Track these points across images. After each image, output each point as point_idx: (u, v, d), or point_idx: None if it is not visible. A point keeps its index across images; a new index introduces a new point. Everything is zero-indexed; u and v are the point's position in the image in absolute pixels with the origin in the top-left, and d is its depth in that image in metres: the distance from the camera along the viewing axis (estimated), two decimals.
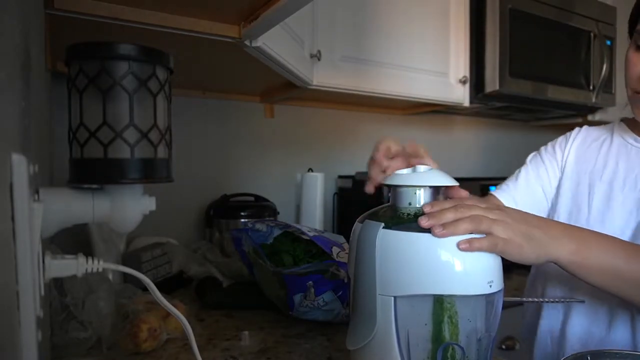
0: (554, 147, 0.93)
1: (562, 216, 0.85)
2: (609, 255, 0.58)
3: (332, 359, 0.75)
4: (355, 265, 0.55)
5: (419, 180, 0.54)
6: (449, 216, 0.50)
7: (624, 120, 0.88)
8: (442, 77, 1.51)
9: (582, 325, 0.78)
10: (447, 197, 0.58)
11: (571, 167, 0.88)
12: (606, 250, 0.58)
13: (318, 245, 0.85)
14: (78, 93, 0.49)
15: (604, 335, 0.75)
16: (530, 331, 0.88)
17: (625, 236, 0.75)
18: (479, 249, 0.50)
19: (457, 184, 0.56)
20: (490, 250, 0.50)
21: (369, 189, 0.64)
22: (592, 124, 1.97)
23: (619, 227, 0.76)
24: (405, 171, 0.56)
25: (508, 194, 0.90)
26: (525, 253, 0.54)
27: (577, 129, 0.94)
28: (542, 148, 0.95)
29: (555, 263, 0.57)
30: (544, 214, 0.89)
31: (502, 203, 0.87)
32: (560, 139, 0.94)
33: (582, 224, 0.80)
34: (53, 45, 0.90)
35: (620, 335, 0.73)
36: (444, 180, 0.54)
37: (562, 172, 0.89)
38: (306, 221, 1.48)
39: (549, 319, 0.83)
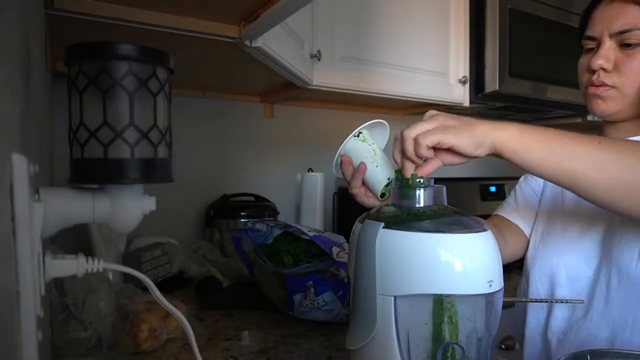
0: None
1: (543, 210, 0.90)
2: (553, 142, 0.57)
3: (332, 359, 0.75)
4: (355, 265, 0.55)
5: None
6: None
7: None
8: (442, 77, 1.51)
9: (563, 318, 0.80)
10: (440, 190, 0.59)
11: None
12: (549, 137, 0.57)
13: (318, 245, 0.85)
14: (78, 93, 0.49)
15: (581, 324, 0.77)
16: (519, 326, 0.90)
17: (599, 219, 0.78)
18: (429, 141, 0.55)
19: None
20: (440, 140, 0.55)
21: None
22: (591, 124, 1.97)
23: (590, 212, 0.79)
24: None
25: (510, 208, 0.95)
26: (465, 139, 0.56)
27: None
28: None
29: (499, 152, 0.58)
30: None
31: (505, 221, 0.93)
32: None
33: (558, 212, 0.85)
34: (53, 45, 0.90)
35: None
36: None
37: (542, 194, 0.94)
38: (306, 221, 1.48)
39: (535, 315, 0.85)
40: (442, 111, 0.61)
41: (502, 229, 0.91)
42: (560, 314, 0.81)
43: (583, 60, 0.82)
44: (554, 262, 0.82)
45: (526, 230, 0.92)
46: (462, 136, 0.56)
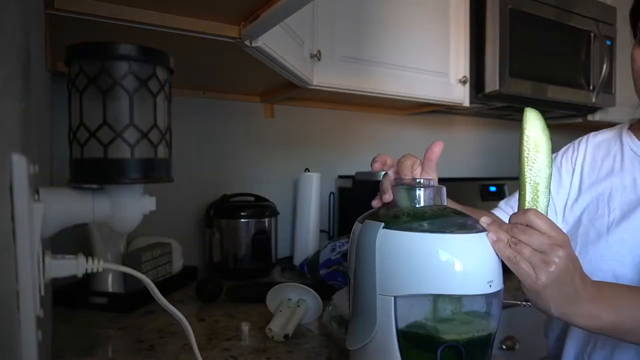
0: (560, 161, 0.91)
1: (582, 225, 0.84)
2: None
3: (332, 359, 0.75)
4: (355, 265, 0.55)
5: None
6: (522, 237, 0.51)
7: (636, 124, 0.85)
8: (442, 77, 1.51)
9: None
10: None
11: (584, 184, 0.86)
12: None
13: None
14: (78, 93, 0.49)
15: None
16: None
17: None
18: (517, 272, 0.52)
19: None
20: (524, 280, 0.51)
21: (378, 203, 0.62)
22: (592, 123, 1.98)
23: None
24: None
25: (510, 209, 0.91)
26: (548, 310, 0.53)
27: (582, 139, 0.91)
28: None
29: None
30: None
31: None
32: (561, 156, 0.92)
33: (602, 229, 0.79)
34: (53, 45, 0.90)
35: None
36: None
37: (578, 190, 0.87)
38: (301, 221, 1.48)
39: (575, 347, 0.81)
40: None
41: None
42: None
43: (636, 54, 0.75)
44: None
45: None
46: (538, 302, 0.53)
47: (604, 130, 0.90)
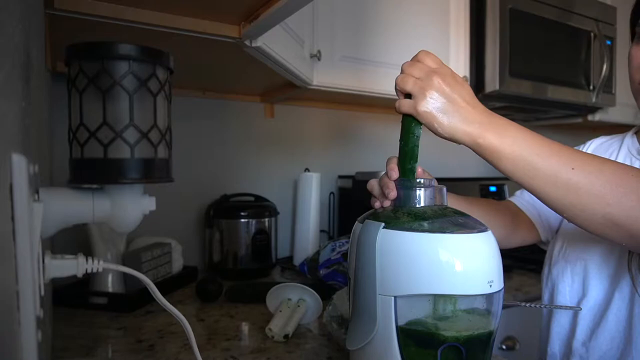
0: None
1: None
2: (525, 150, 0.55)
3: (332, 359, 0.75)
4: (356, 265, 0.55)
5: None
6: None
7: None
8: None
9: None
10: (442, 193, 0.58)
11: None
12: (524, 146, 0.55)
13: None
14: (78, 93, 0.49)
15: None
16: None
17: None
18: (397, 109, 0.59)
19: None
20: (408, 112, 0.58)
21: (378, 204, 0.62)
22: (592, 123, 1.97)
23: None
24: None
25: (528, 204, 0.90)
26: (436, 130, 0.57)
27: (590, 141, 0.93)
28: None
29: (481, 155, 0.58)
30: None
31: (519, 212, 0.89)
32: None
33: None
34: (53, 45, 0.90)
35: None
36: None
37: None
38: (301, 221, 1.48)
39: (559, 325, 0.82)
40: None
41: (517, 216, 0.87)
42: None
43: (634, 51, 0.75)
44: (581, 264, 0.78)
45: (542, 233, 0.88)
46: (451, 122, 0.56)
47: (616, 134, 0.91)
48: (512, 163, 0.55)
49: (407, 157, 0.59)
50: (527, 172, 0.55)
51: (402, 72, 0.60)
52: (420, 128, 0.59)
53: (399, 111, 0.60)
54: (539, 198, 0.57)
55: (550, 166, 0.54)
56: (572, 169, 0.53)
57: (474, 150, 0.58)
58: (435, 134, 0.58)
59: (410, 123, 0.59)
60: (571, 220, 0.56)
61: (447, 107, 0.56)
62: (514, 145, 0.55)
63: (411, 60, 0.61)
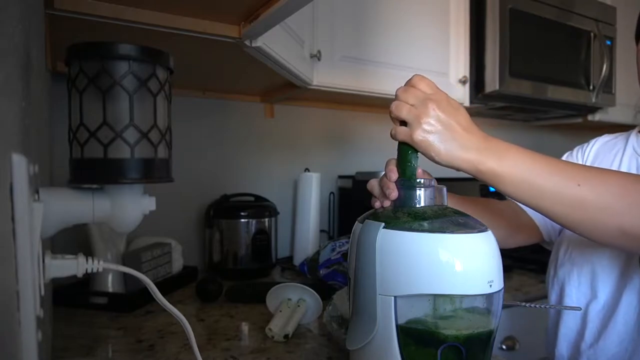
0: (576, 154, 0.93)
1: None
2: (526, 172, 0.55)
3: (332, 359, 0.75)
4: (356, 265, 0.55)
5: None
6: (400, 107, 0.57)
7: None
8: (442, 77, 1.51)
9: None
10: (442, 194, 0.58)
11: None
12: (524, 168, 0.55)
13: None
14: (78, 93, 0.49)
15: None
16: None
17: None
18: (393, 137, 0.58)
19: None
20: (403, 140, 0.57)
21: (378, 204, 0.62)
22: (592, 123, 1.97)
23: None
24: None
25: None
26: (433, 158, 0.56)
27: (594, 140, 0.93)
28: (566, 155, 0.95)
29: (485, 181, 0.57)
30: None
31: (522, 211, 0.87)
32: (577, 149, 0.94)
33: None
34: (53, 45, 0.90)
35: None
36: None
37: None
38: (301, 221, 1.48)
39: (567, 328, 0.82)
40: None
41: (518, 216, 0.87)
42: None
43: None
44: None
45: (545, 232, 0.88)
46: (448, 149, 0.55)
47: (620, 133, 0.91)
48: (514, 186, 0.55)
49: (405, 175, 0.59)
50: (531, 193, 0.55)
51: (396, 98, 0.58)
52: (417, 156, 0.58)
53: (394, 139, 0.58)
54: (548, 217, 0.57)
55: (554, 185, 0.54)
56: (578, 185, 0.54)
57: (474, 177, 0.57)
58: (433, 162, 0.56)
59: (407, 151, 0.58)
60: (586, 236, 0.56)
61: (444, 134, 0.55)
62: (514, 167, 0.55)
63: (405, 85, 0.59)
